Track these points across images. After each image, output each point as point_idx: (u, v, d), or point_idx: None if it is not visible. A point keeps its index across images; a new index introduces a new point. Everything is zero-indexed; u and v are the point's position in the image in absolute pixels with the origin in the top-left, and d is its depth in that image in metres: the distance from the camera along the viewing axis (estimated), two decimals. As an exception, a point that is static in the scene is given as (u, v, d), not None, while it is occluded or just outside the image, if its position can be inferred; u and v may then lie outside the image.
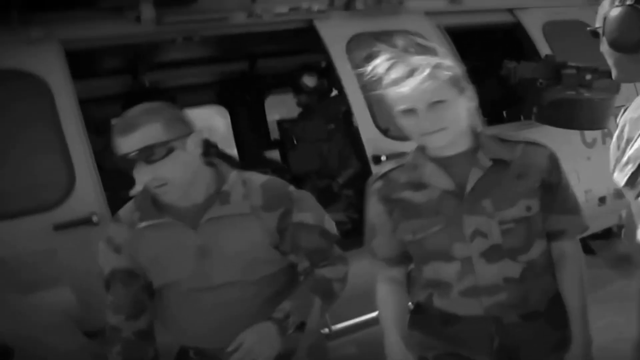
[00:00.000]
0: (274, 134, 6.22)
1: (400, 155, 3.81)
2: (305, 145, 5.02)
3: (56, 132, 3.29)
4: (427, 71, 1.92)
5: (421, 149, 2.05)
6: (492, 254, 1.96)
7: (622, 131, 1.70)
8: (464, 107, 1.98)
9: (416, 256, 2.10)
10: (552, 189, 2.03)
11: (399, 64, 1.96)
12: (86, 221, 3.19)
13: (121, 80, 5.29)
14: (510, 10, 5.04)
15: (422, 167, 2.04)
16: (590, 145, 4.95)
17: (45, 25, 3.42)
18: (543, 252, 2.05)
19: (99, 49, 4.02)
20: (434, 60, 1.96)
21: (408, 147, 3.88)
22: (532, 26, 5.03)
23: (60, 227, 3.14)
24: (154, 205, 2.20)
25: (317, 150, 4.97)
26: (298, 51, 5.55)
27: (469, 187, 1.97)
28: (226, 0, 3.99)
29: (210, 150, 5.04)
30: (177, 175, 2.09)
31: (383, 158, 3.93)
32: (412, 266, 2.17)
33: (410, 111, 1.93)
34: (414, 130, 1.96)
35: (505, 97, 5.01)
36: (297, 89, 5.15)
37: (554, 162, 2.06)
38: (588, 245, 5.63)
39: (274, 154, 6.09)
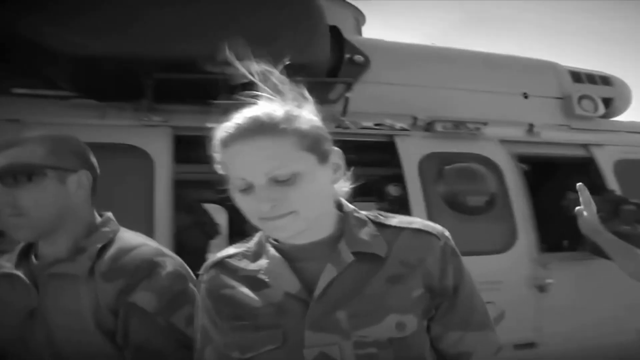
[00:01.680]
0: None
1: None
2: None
3: (149, 202, 3.84)
4: (269, 128, 1.35)
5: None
6: None
7: None
8: (324, 181, 1.42)
9: None
10: (446, 296, 1.48)
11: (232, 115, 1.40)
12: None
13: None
14: (585, 146, 5.33)
15: (265, 257, 1.49)
16: (651, 278, 5.02)
17: (165, 113, 4.08)
18: None
19: (204, 138, 4.63)
20: (282, 111, 1.39)
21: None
22: (604, 162, 5.27)
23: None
24: (23, 250, 1.86)
25: None
26: (380, 163, 6.03)
27: (317, 292, 1.40)
28: (320, 110, 4.53)
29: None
30: (36, 208, 1.70)
31: None
32: None
33: (246, 186, 1.36)
34: (250, 212, 1.39)
35: (568, 228, 5.22)
36: (380, 197, 5.57)
37: (447, 258, 1.49)
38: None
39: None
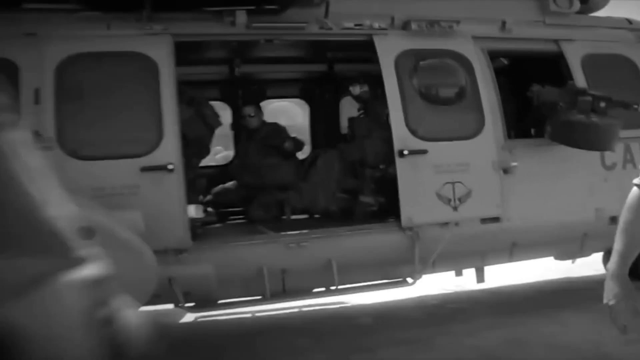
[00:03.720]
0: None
1: (421, 152, 4.75)
2: (355, 139, 5.84)
3: (156, 99, 4.42)
4: None
5: None
6: None
7: None
8: None
9: None
10: None
11: None
12: (164, 168, 4.32)
13: (221, 69, 6.42)
14: (556, 41, 5.69)
15: None
16: (609, 168, 5.49)
17: (164, 22, 4.56)
18: None
19: (202, 43, 5.15)
20: None
21: (430, 146, 4.76)
22: (572, 57, 5.62)
23: (145, 169, 4.28)
24: None
25: (361, 144, 5.72)
26: (369, 60, 6.48)
27: None
28: (305, 14, 4.98)
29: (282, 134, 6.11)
30: None
31: (405, 152, 4.80)
32: None
33: None
34: None
35: (532, 117, 5.67)
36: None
37: None
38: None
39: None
